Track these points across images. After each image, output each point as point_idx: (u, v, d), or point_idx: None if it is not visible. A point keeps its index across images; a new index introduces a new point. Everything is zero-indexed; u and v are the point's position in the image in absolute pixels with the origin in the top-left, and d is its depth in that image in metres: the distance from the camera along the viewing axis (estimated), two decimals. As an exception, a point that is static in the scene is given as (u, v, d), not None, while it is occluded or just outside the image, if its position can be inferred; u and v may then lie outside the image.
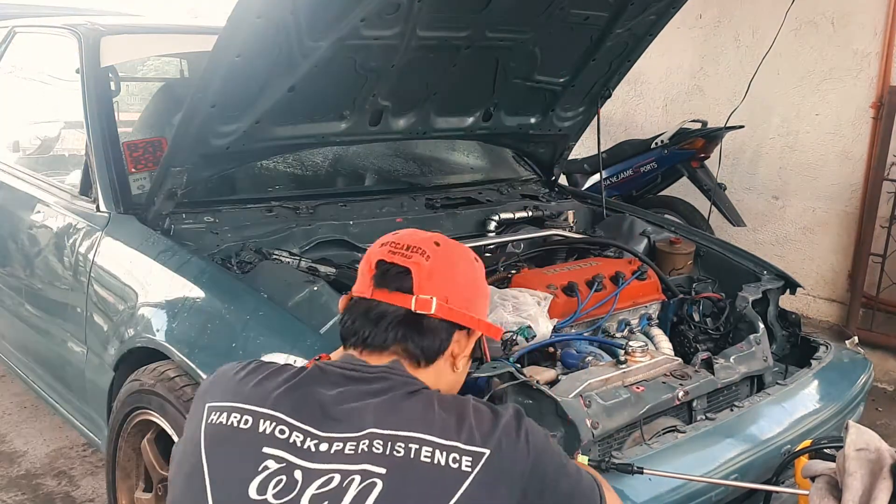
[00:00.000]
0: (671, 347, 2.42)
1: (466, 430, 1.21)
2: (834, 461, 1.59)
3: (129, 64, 3.26)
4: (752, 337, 2.38)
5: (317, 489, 1.15)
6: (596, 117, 3.09)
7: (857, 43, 4.45)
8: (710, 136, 4.53)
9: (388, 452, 1.17)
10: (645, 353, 2.11)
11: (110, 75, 2.74)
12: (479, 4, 2.29)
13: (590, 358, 2.10)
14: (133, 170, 2.48)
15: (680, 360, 2.19)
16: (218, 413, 1.24)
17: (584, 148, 3.93)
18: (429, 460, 1.17)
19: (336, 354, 1.40)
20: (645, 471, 1.74)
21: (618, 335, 2.38)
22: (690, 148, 4.57)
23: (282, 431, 1.20)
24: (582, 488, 1.35)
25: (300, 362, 1.76)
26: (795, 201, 4.82)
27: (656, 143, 4.69)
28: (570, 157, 3.40)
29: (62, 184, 2.66)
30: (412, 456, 1.17)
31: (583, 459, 1.74)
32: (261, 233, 2.34)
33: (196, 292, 2.05)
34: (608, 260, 2.62)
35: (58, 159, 2.83)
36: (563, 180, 3.94)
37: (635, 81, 5.40)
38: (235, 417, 1.22)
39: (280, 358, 1.79)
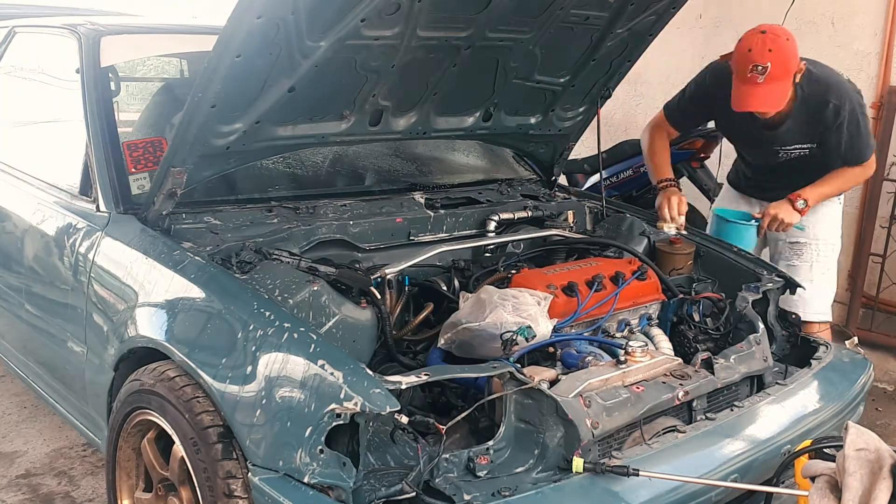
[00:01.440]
0: (671, 347, 2.42)
1: None
2: (834, 461, 1.59)
3: (129, 64, 3.26)
4: (752, 337, 2.38)
5: None
6: (596, 117, 3.09)
7: (857, 43, 4.44)
8: (710, 136, 4.52)
9: None
10: (645, 353, 2.11)
11: (110, 75, 2.74)
12: (479, 4, 2.29)
13: (590, 358, 2.10)
14: (133, 170, 2.48)
15: (680, 360, 2.19)
16: None
17: (584, 148, 3.92)
18: None
19: None
20: (641, 473, 1.74)
21: (618, 335, 2.38)
22: (690, 148, 4.56)
23: None
24: None
25: (297, 361, 1.76)
26: (794, 201, 4.81)
27: (656, 144, 4.67)
28: (570, 157, 3.40)
29: (62, 184, 2.66)
30: None
31: (580, 461, 1.75)
32: (261, 233, 2.34)
33: (196, 292, 2.05)
34: (608, 260, 2.62)
35: (57, 159, 2.83)
36: (563, 180, 3.94)
37: (635, 81, 5.39)
38: None
39: (278, 358, 1.79)
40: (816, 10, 4.53)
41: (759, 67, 2.68)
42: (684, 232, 2.95)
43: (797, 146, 3.00)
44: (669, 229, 2.94)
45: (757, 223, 2.99)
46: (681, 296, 2.59)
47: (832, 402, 2.31)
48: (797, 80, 2.83)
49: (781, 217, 2.94)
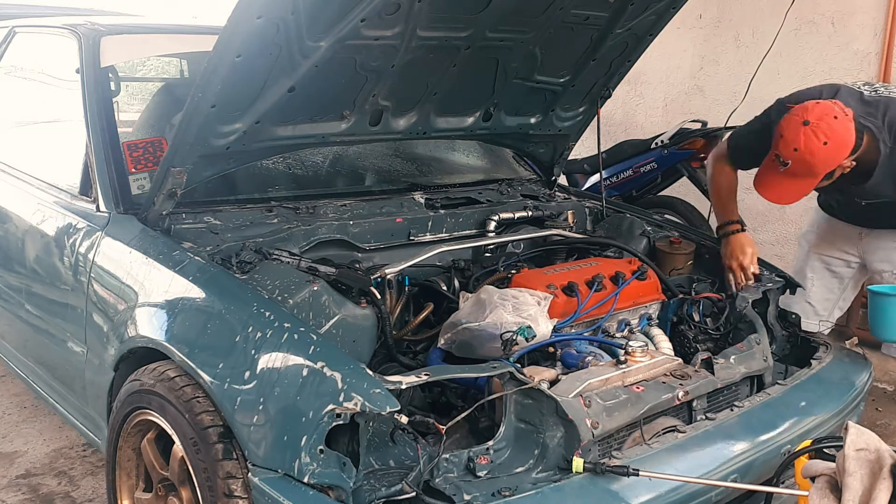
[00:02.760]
0: (671, 347, 2.42)
1: None
2: (834, 461, 1.59)
3: (129, 64, 3.26)
4: (752, 337, 2.38)
5: None
6: (596, 117, 3.09)
7: (857, 43, 4.45)
8: (710, 136, 4.52)
9: None
10: (645, 353, 2.11)
11: (110, 75, 2.74)
12: (479, 4, 2.29)
13: (590, 358, 2.10)
14: (133, 170, 2.48)
15: (680, 360, 2.19)
16: None
17: (584, 148, 3.93)
18: None
19: None
20: (641, 473, 1.74)
21: (618, 335, 2.38)
22: (690, 148, 4.56)
23: None
24: None
25: (297, 361, 1.77)
26: (796, 201, 4.81)
27: (656, 143, 4.69)
28: (570, 157, 3.40)
29: (62, 184, 2.67)
30: None
31: (580, 461, 1.75)
32: (261, 233, 2.34)
33: (196, 292, 2.05)
34: (608, 260, 2.62)
35: (58, 159, 2.83)
36: (563, 180, 3.94)
37: (635, 81, 5.40)
38: None
39: (278, 358, 1.79)
40: (816, 10, 4.54)
41: (781, 159, 2.43)
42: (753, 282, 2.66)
43: (884, 199, 2.65)
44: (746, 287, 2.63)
45: None
46: (681, 296, 2.59)
47: (832, 402, 2.30)
48: (874, 136, 2.48)
49: None
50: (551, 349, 2.15)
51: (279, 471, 1.72)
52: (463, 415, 1.83)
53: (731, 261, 2.70)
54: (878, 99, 2.54)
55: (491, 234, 2.81)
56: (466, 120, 2.83)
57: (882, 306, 2.51)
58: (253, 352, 1.83)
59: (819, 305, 3.02)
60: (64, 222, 2.56)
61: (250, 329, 1.87)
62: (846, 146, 2.41)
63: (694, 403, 2.10)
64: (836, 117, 2.38)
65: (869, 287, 2.64)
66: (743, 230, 2.77)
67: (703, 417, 2.09)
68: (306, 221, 2.46)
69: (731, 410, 2.13)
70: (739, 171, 2.91)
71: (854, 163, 2.47)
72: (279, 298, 2.02)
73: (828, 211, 3.03)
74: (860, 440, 1.55)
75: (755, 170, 2.65)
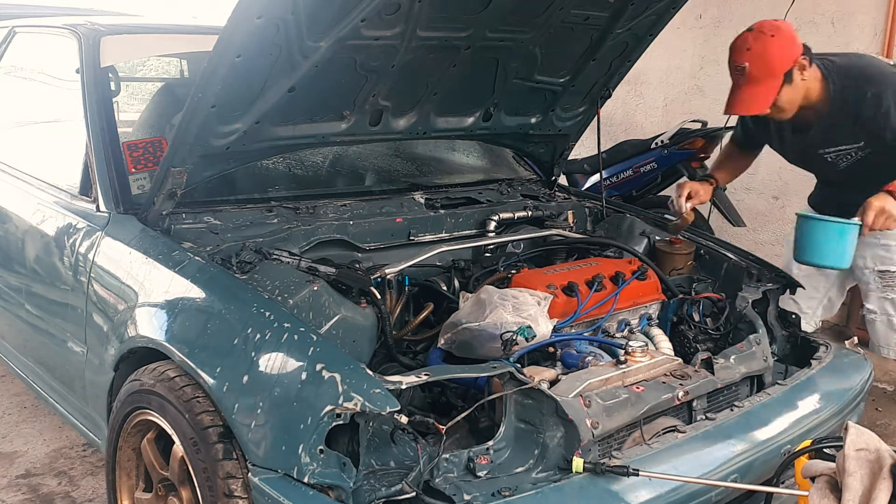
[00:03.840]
0: (671, 347, 2.42)
1: None
2: (834, 461, 1.59)
3: (129, 64, 3.26)
4: (752, 337, 2.38)
5: None
6: (596, 117, 3.09)
7: (857, 43, 4.45)
8: (710, 136, 4.53)
9: None
10: (645, 353, 2.11)
11: (110, 75, 2.74)
12: (479, 4, 2.29)
13: (590, 358, 2.10)
14: (133, 170, 2.48)
15: (680, 360, 2.19)
16: None
17: (584, 148, 3.93)
18: None
19: None
20: (641, 473, 1.74)
21: (618, 335, 2.38)
22: (690, 148, 4.57)
23: None
24: None
25: (297, 362, 1.76)
26: (795, 201, 4.81)
27: (656, 143, 4.69)
28: (570, 157, 3.40)
29: (62, 184, 2.67)
30: None
31: (580, 461, 1.75)
32: (261, 233, 2.34)
33: (196, 292, 2.05)
34: (608, 260, 2.62)
35: (57, 159, 2.83)
36: (563, 180, 3.94)
37: (635, 81, 5.40)
38: None
39: (278, 358, 1.79)
40: (816, 10, 4.54)
41: (738, 67, 2.54)
42: (680, 220, 2.90)
43: (843, 147, 2.71)
44: (673, 214, 2.93)
45: (859, 225, 2.49)
46: (681, 296, 2.59)
47: (832, 402, 2.31)
48: (824, 76, 2.60)
49: (889, 209, 2.48)
50: (551, 349, 2.15)
51: (279, 471, 1.72)
52: (463, 415, 1.83)
53: (685, 186, 2.90)
54: (835, 53, 2.73)
55: (491, 234, 2.81)
56: (466, 120, 2.83)
57: (805, 229, 2.58)
58: (253, 352, 1.83)
59: (804, 303, 3.03)
60: (64, 222, 2.56)
61: (250, 329, 1.87)
62: (794, 39, 2.55)
63: (694, 403, 2.10)
64: (776, 22, 2.59)
65: (800, 213, 2.71)
66: (714, 187, 3.00)
67: (703, 417, 2.09)
68: (306, 221, 2.46)
69: (731, 410, 2.13)
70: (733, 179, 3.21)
71: (808, 60, 2.57)
72: (279, 298, 2.02)
73: (816, 209, 3.07)
74: (860, 440, 1.55)
75: (749, 174, 2.76)
